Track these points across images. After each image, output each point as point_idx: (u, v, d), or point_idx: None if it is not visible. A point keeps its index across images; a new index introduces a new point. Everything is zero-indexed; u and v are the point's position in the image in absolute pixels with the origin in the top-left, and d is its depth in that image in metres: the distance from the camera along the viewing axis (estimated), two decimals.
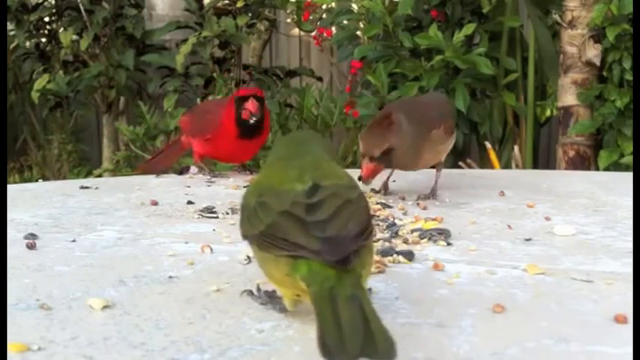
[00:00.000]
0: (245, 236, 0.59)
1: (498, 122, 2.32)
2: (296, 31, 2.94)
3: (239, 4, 2.78)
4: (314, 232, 0.52)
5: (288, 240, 0.53)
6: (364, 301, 0.49)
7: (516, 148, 2.29)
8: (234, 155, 1.40)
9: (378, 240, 0.82)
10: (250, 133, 1.31)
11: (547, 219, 0.96)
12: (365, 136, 1.05)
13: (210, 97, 2.67)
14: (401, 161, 1.08)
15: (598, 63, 2.13)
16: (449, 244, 0.83)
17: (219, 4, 2.84)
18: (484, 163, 2.32)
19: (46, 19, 3.09)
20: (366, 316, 0.47)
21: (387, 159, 1.05)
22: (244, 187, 1.21)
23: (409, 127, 1.06)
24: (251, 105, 1.28)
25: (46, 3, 3.04)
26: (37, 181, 2.74)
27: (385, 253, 0.76)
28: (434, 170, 1.15)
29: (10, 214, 0.97)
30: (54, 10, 3.02)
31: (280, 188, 0.56)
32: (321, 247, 0.51)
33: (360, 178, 1.03)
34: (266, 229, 0.55)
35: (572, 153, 2.22)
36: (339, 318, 0.47)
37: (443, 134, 1.10)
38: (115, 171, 2.64)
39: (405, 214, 1.00)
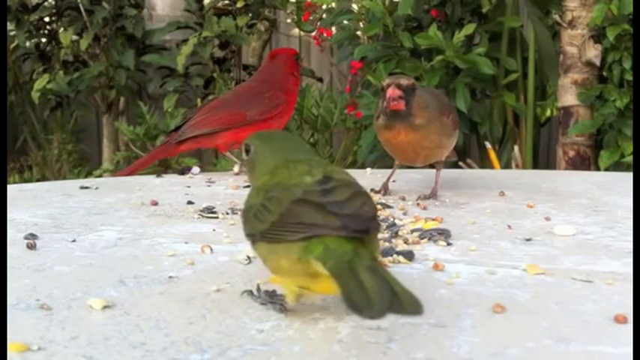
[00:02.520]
0: (251, 235, 0.59)
1: (498, 122, 2.32)
2: (296, 31, 2.94)
3: (239, 5, 2.78)
4: (333, 210, 0.54)
5: (304, 223, 0.54)
6: (383, 270, 0.50)
7: (516, 148, 2.30)
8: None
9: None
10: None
11: (547, 219, 0.96)
12: (391, 75, 1.06)
13: (210, 97, 2.67)
14: (410, 137, 1.05)
15: (598, 63, 2.13)
16: (449, 244, 0.83)
17: (220, 4, 2.84)
18: (484, 163, 2.32)
19: (46, 19, 3.09)
20: (388, 281, 0.49)
21: (407, 99, 1.02)
22: (244, 187, 1.22)
23: (430, 99, 1.07)
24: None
25: (46, 3, 3.04)
26: (37, 180, 2.74)
27: (385, 253, 0.76)
28: (434, 170, 1.15)
29: (10, 214, 0.97)
30: (54, 10, 3.02)
31: (290, 182, 0.57)
32: (342, 223, 0.53)
33: (383, 110, 1.03)
34: (278, 218, 0.55)
35: (572, 153, 2.22)
36: (362, 282, 0.48)
37: (451, 124, 1.10)
38: (115, 172, 2.64)
39: (405, 214, 1.00)
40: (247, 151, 0.65)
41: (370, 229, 0.54)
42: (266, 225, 0.56)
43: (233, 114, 1.41)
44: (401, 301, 0.47)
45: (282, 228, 0.55)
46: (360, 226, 0.53)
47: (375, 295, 0.47)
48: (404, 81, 1.03)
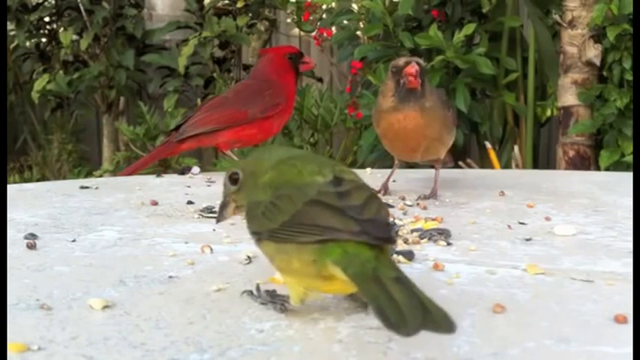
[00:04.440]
0: (257, 232, 0.58)
1: (498, 122, 2.32)
2: (296, 31, 2.94)
3: (239, 5, 2.78)
4: (351, 215, 0.53)
5: (319, 225, 0.53)
6: (409, 282, 0.49)
7: (516, 148, 2.30)
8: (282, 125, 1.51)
9: None
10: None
11: (547, 219, 0.96)
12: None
13: (210, 97, 2.67)
14: (416, 122, 1.05)
15: (598, 63, 2.14)
16: (449, 244, 0.83)
17: (220, 5, 2.84)
18: (484, 163, 2.32)
19: (46, 19, 3.09)
20: (417, 295, 0.47)
21: (422, 79, 1.04)
22: None
23: (435, 92, 1.09)
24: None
25: (46, 3, 3.04)
26: (37, 180, 2.74)
27: None
28: (434, 170, 1.15)
29: (10, 214, 0.97)
30: (54, 10, 3.02)
31: (301, 181, 0.56)
32: (362, 228, 0.52)
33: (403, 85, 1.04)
34: (291, 218, 0.54)
35: (572, 153, 2.22)
36: (391, 295, 0.47)
37: (450, 119, 1.10)
38: (115, 172, 2.64)
39: (405, 214, 1.00)
40: (235, 180, 0.62)
41: (392, 237, 0.53)
42: (276, 224, 0.55)
43: (234, 112, 1.40)
44: (434, 318, 0.46)
45: (294, 229, 0.54)
46: (383, 233, 0.52)
47: (408, 310, 0.46)
48: (420, 61, 1.05)
